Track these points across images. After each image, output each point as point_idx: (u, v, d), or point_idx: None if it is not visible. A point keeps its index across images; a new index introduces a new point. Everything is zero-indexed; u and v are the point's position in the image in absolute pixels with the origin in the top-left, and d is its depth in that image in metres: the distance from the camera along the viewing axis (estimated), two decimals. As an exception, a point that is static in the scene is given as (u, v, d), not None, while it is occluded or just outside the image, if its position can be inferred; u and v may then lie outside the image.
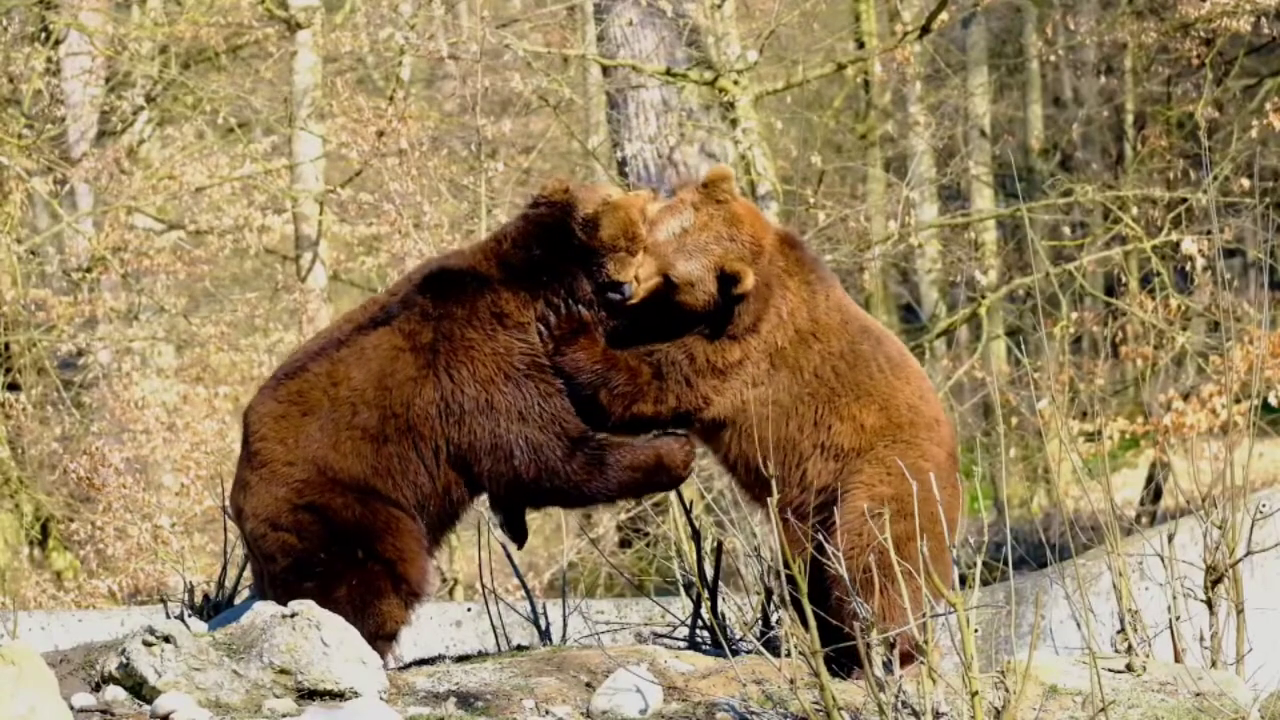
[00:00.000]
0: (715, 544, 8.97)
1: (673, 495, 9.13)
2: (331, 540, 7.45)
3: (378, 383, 7.51)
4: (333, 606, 7.33)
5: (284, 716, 6.88)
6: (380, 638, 7.46)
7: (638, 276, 7.58)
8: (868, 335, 7.77)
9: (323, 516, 7.47)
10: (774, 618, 8.38)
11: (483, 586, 9.50)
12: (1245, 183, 21.32)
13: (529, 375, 7.53)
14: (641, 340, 7.72)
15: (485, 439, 7.48)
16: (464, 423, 7.47)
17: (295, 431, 7.52)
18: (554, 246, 7.59)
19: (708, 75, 20.19)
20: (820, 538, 7.41)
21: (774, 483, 7.42)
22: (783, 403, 7.63)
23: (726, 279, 7.56)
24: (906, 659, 7.14)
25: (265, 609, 7.22)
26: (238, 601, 8.73)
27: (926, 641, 6.76)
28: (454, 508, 7.67)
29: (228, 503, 7.89)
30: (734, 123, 20.27)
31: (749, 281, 7.56)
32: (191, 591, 8.92)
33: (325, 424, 7.50)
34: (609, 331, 7.67)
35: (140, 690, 7.03)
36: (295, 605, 7.15)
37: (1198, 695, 7.44)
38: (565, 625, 9.43)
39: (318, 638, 7.05)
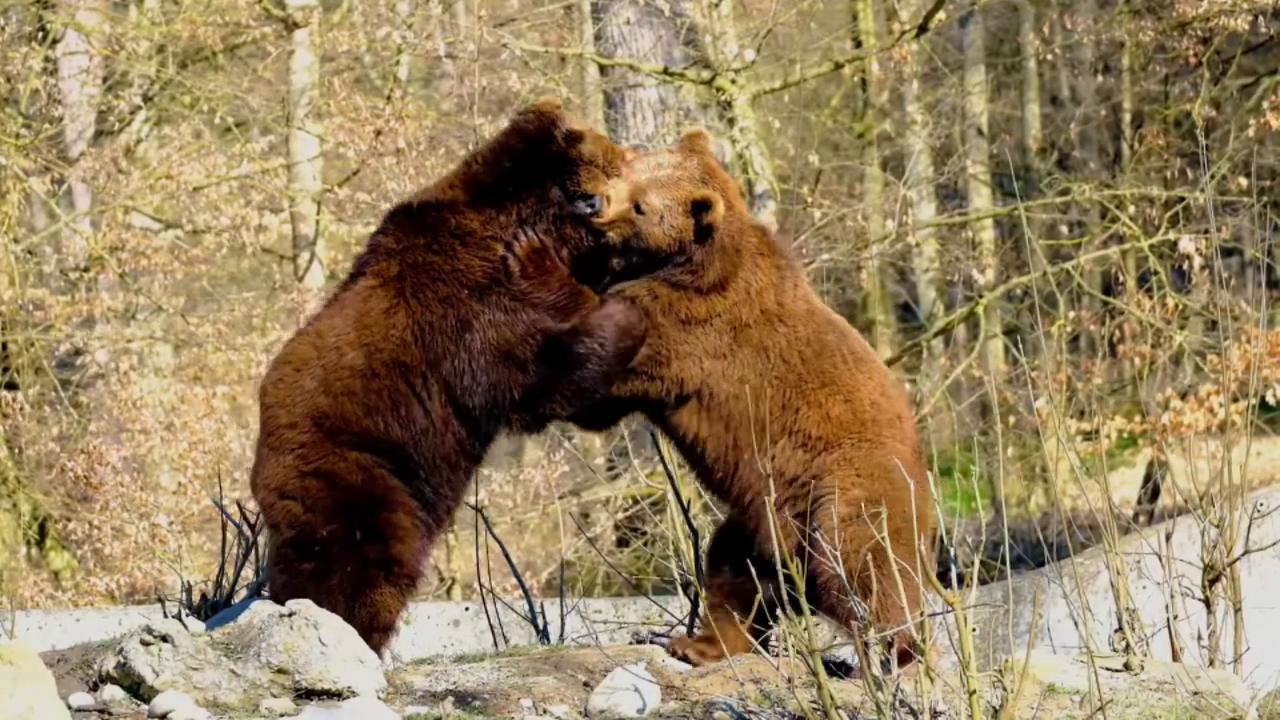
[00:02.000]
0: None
1: (670, 495, 9.13)
2: (334, 513, 7.44)
3: (356, 323, 7.54)
4: (327, 594, 7.35)
5: (281, 716, 6.89)
6: (376, 629, 7.44)
7: (608, 197, 7.60)
8: (833, 328, 7.81)
9: (329, 482, 7.46)
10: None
11: (480, 586, 9.51)
12: (1243, 181, 21.33)
13: (492, 288, 7.52)
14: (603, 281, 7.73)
15: (461, 354, 7.49)
16: (437, 341, 7.49)
17: (291, 390, 7.54)
18: (529, 156, 7.59)
19: (705, 74, 20.20)
20: (816, 536, 7.42)
21: (748, 471, 7.48)
22: (749, 380, 7.64)
23: (698, 206, 7.59)
24: (904, 658, 7.15)
25: (263, 608, 7.22)
26: (235, 601, 8.74)
27: (924, 640, 6.76)
28: (460, 444, 7.62)
29: (246, 482, 7.91)
30: (731, 122, 20.28)
31: (720, 209, 7.60)
32: (189, 591, 8.93)
33: (315, 372, 7.52)
34: (573, 258, 7.66)
35: (138, 690, 7.03)
36: (293, 605, 7.15)
37: (1195, 694, 7.44)
38: (563, 624, 9.44)
39: (315, 637, 7.05)
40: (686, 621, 8.71)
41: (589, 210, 7.57)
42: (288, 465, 7.51)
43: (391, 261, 7.58)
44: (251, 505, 9.35)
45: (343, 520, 7.44)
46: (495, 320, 7.49)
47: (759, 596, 7.39)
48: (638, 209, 7.61)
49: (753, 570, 7.44)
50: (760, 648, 7.32)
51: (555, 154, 7.57)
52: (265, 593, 8.39)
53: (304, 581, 7.40)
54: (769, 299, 7.72)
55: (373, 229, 8.02)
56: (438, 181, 7.83)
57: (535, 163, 7.59)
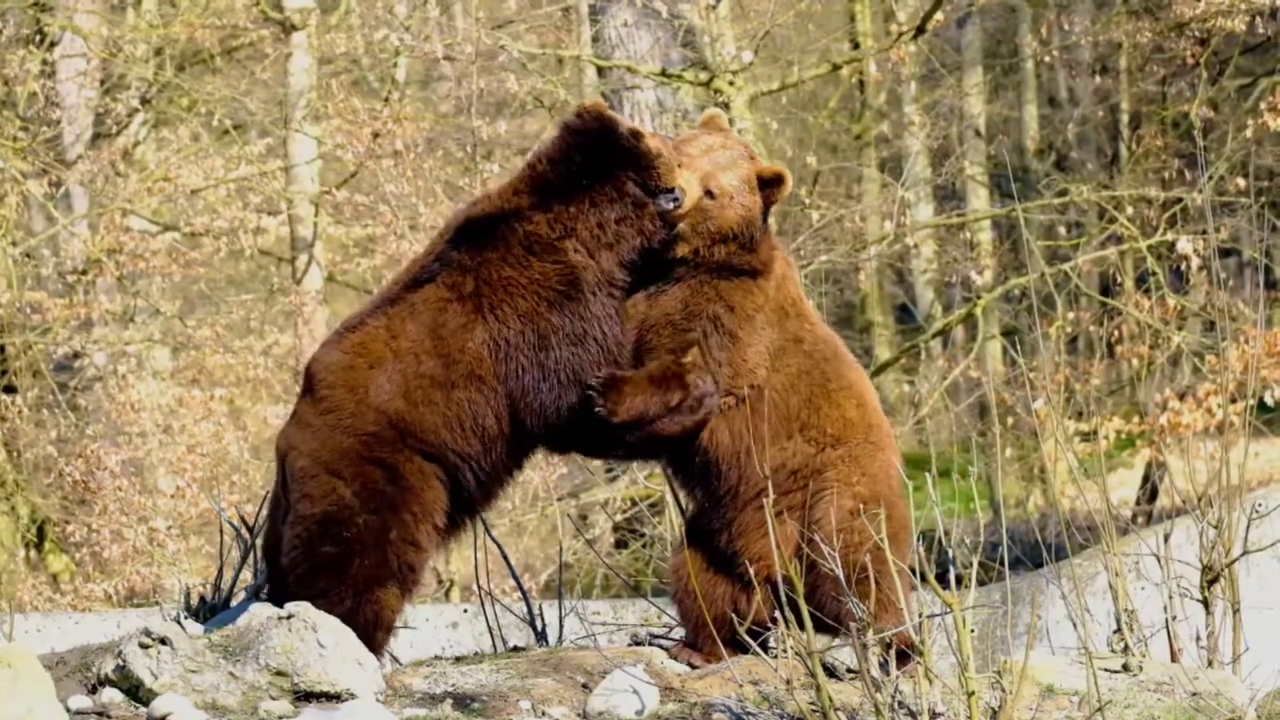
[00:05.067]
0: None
1: (668, 496, 9.13)
2: (379, 507, 7.42)
3: (432, 333, 7.51)
4: (338, 584, 7.35)
5: (280, 718, 6.89)
6: (379, 627, 7.43)
7: (683, 188, 7.59)
8: (834, 335, 7.87)
9: (390, 476, 7.43)
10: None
11: (479, 588, 9.50)
12: (1240, 182, 21.33)
13: (569, 297, 7.51)
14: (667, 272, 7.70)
15: (534, 369, 7.49)
16: (512, 357, 7.48)
17: (364, 382, 7.49)
18: (597, 152, 7.53)
19: (703, 76, 20.19)
20: (816, 536, 7.42)
21: (750, 468, 7.50)
22: (790, 372, 7.66)
23: (769, 181, 7.62)
24: (902, 658, 7.15)
25: (261, 611, 7.23)
26: (234, 603, 8.73)
27: (923, 642, 6.77)
28: (517, 453, 7.65)
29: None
30: (729, 123, 20.27)
31: (790, 180, 7.67)
32: (188, 593, 8.92)
33: (393, 375, 7.48)
34: (643, 251, 7.63)
35: (137, 692, 7.03)
36: (291, 607, 7.16)
37: (1194, 695, 7.45)
38: (561, 626, 9.43)
39: (314, 639, 7.06)
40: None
41: (673, 205, 7.55)
42: (346, 447, 7.45)
43: (466, 277, 7.54)
44: (250, 508, 9.35)
45: (384, 516, 7.42)
46: (572, 335, 7.50)
47: (758, 598, 7.40)
48: (709, 194, 7.61)
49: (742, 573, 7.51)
50: (759, 649, 7.32)
51: (625, 149, 7.52)
52: (264, 594, 8.39)
53: (323, 564, 7.37)
54: (792, 289, 7.76)
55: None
56: (499, 188, 7.75)
57: (605, 157, 7.53)
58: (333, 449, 7.47)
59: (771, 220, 7.85)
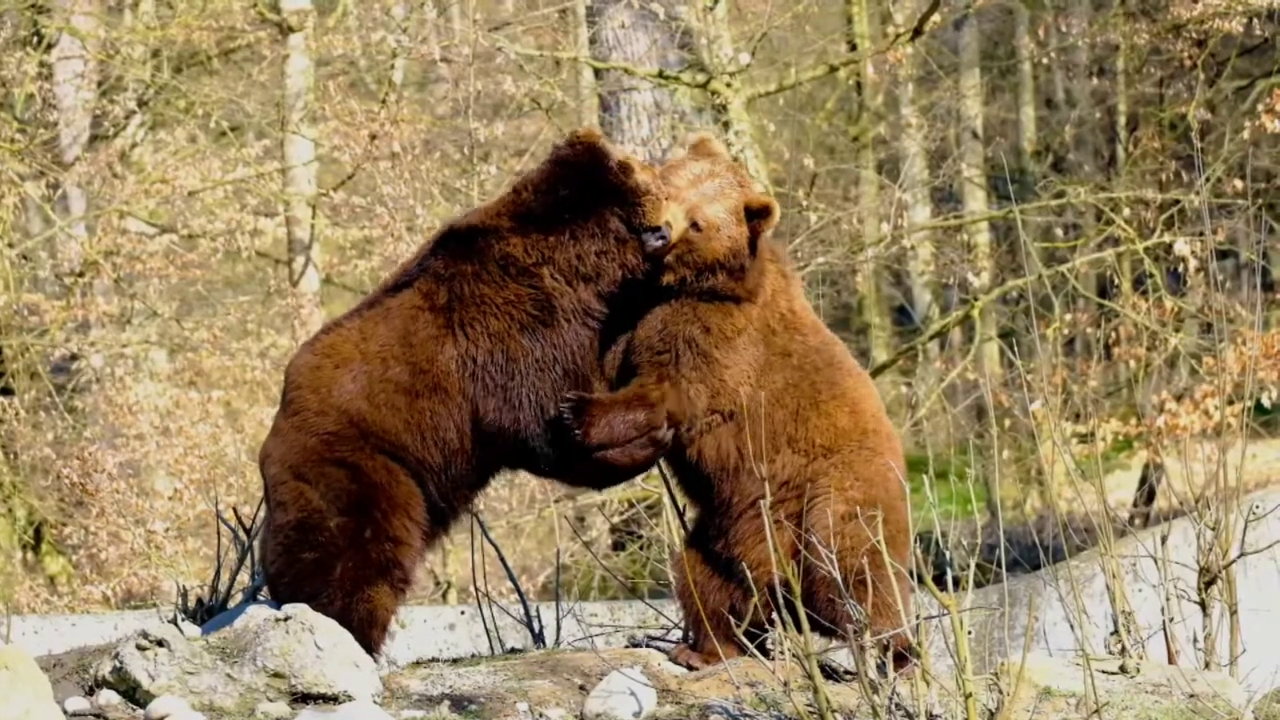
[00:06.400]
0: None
1: (665, 498, 9.13)
2: (348, 507, 7.42)
3: (402, 339, 7.53)
4: (326, 587, 7.35)
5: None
6: (374, 626, 7.44)
7: (669, 223, 7.55)
8: (835, 341, 7.83)
9: (352, 475, 7.45)
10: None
11: (476, 590, 9.50)
12: (1238, 184, 21.33)
13: (543, 322, 7.52)
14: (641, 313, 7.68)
15: (498, 392, 7.49)
16: (479, 377, 7.49)
17: (328, 382, 7.52)
18: (583, 186, 7.52)
19: (700, 78, 20.19)
20: (812, 539, 7.42)
21: (747, 479, 7.48)
22: (777, 386, 7.64)
23: (757, 212, 7.56)
24: (899, 660, 7.16)
25: (259, 613, 7.22)
26: (231, 605, 8.74)
27: (920, 643, 6.77)
28: (477, 470, 7.65)
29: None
30: (726, 125, 20.26)
31: (777, 211, 7.60)
32: (185, 595, 8.92)
33: (358, 376, 7.51)
34: (626, 280, 7.62)
35: (134, 694, 7.03)
36: (289, 609, 7.16)
37: (1192, 697, 7.45)
38: (559, 628, 9.44)
39: (311, 641, 7.06)
40: (682, 625, 8.71)
41: (659, 243, 7.50)
42: (309, 448, 7.48)
43: (440, 288, 7.56)
44: (247, 510, 9.35)
45: (355, 516, 7.43)
46: (540, 361, 7.50)
47: (754, 601, 7.40)
48: (695, 226, 7.56)
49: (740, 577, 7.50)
50: (756, 651, 7.32)
51: (611, 184, 7.51)
52: (262, 595, 8.39)
53: (306, 570, 7.38)
54: (783, 304, 7.73)
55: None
56: (486, 206, 7.76)
57: (590, 192, 7.52)
58: (299, 451, 7.50)
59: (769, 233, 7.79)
